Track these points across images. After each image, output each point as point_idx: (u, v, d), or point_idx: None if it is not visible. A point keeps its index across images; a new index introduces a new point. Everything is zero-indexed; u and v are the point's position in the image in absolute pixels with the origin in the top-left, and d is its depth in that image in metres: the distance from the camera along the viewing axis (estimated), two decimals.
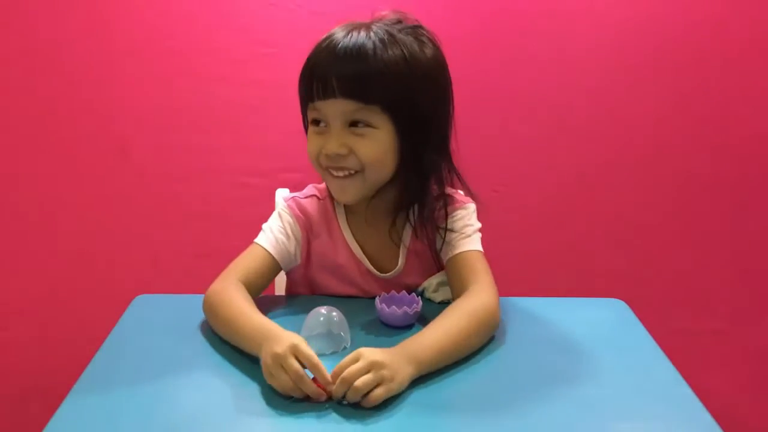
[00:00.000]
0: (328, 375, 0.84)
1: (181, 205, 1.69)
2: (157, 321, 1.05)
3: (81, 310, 1.70)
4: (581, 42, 1.66)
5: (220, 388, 0.88)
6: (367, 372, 0.83)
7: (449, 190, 1.13)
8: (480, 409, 0.85)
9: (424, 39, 1.05)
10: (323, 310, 0.97)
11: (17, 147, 1.65)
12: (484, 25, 1.63)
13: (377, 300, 1.03)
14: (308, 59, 1.05)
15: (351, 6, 1.59)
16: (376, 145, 1.03)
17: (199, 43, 1.62)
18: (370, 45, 1.00)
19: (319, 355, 0.93)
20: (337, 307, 0.98)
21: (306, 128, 1.10)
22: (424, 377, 0.89)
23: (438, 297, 1.12)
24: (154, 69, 1.63)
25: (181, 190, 1.68)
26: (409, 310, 1.01)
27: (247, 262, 1.08)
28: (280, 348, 0.85)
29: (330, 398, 0.84)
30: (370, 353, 0.85)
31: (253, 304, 1.00)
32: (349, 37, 1.01)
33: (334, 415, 0.82)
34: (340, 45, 1.01)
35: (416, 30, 1.05)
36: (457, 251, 1.09)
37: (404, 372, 0.86)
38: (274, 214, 1.14)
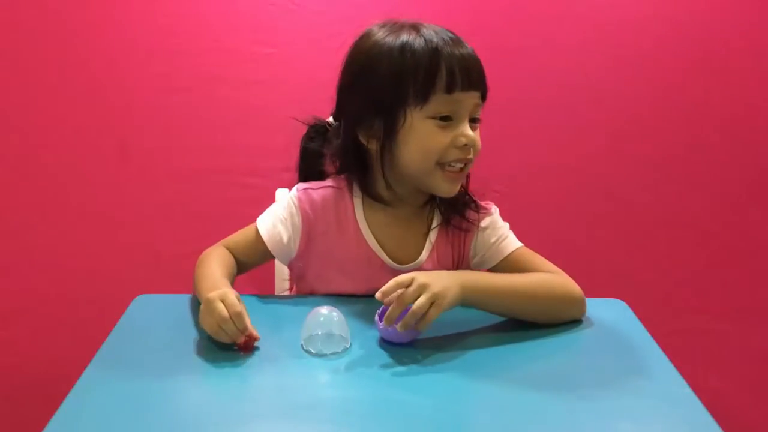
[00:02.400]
0: (248, 323, 0.94)
1: (182, 205, 1.69)
2: (157, 321, 1.05)
3: (81, 310, 1.70)
4: (581, 41, 1.66)
5: (220, 388, 0.88)
6: (419, 295, 0.93)
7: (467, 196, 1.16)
8: (480, 408, 0.85)
9: None
10: (323, 310, 0.97)
11: (17, 147, 1.65)
12: (483, 25, 1.63)
13: (376, 316, 0.98)
14: (426, 54, 1.02)
15: (351, 6, 1.60)
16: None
17: (199, 42, 1.62)
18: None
19: (319, 355, 0.94)
20: (338, 308, 0.98)
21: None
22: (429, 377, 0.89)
23: None
24: (154, 69, 1.63)
25: (182, 190, 1.68)
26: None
27: (239, 239, 1.16)
28: (212, 295, 0.95)
29: (250, 347, 0.94)
30: (420, 277, 0.95)
31: (224, 268, 1.08)
32: (444, 33, 1.04)
33: (332, 417, 0.82)
34: (453, 38, 1.04)
35: None
36: (505, 253, 1.13)
37: (452, 291, 0.96)
38: (284, 199, 1.16)
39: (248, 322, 0.94)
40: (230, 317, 0.93)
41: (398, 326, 0.94)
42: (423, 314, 0.94)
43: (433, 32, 1.04)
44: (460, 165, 1.06)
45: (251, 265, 1.16)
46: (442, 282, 0.96)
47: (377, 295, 0.95)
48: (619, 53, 1.66)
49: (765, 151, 1.71)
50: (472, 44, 1.06)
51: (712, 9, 1.64)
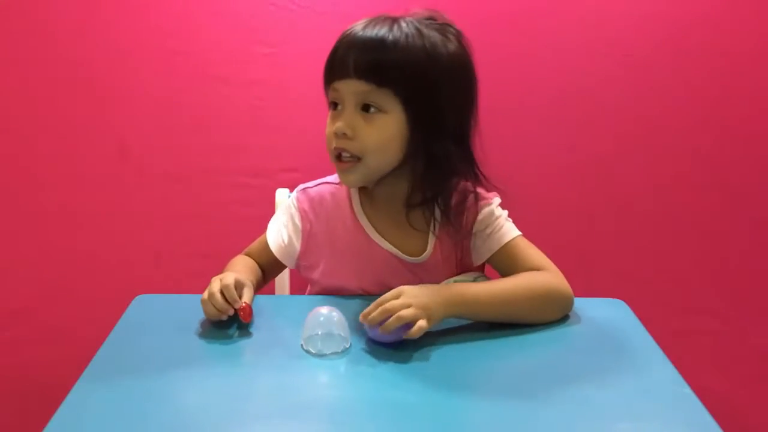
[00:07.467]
0: (236, 295, 1.00)
1: (181, 205, 1.69)
2: (157, 321, 1.06)
3: (81, 310, 1.70)
4: (581, 39, 1.65)
5: (220, 388, 0.88)
6: (406, 306, 0.93)
7: (470, 186, 1.15)
8: (479, 408, 0.85)
9: (450, 36, 1.08)
10: (323, 310, 0.97)
11: (16, 146, 1.65)
12: (483, 24, 1.63)
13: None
14: (333, 46, 1.07)
15: (352, 6, 1.59)
16: (382, 132, 1.05)
17: (198, 42, 1.62)
18: (391, 32, 1.04)
19: (320, 355, 0.94)
20: (337, 307, 0.98)
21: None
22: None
23: None
24: (154, 69, 1.63)
25: (181, 190, 1.68)
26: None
27: (254, 247, 1.22)
28: (212, 279, 1.02)
29: (247, 315, 0.99)
30: (410, 290, 0.96)
31: (245, 267, 1.15)
32: (372, 25, 1.05)
33: (332, 417, 0.82)
34: (361, 30, 1.05)
35: (444, 26, 1.08)
36: (501, 244, 1.13)
37: (438, 311, 0.97)
38: (283, 206, 1.20)
39: (235, 294, 0.99)
40: (220, 291, 0.99)
41: (380, 329, 0.94)
42: (408, 324, 0.93)
43: (373, 20, 1.05)
44: (336, 153, 1.07)
45: (270, 272, 1.22)
46: (428, 298, 0.97)
47: (360, 318, 0.96)
48: (621, 53, 1.66)
49: (765, 150, 1.71)
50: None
51: (715, 10, 1.63)
